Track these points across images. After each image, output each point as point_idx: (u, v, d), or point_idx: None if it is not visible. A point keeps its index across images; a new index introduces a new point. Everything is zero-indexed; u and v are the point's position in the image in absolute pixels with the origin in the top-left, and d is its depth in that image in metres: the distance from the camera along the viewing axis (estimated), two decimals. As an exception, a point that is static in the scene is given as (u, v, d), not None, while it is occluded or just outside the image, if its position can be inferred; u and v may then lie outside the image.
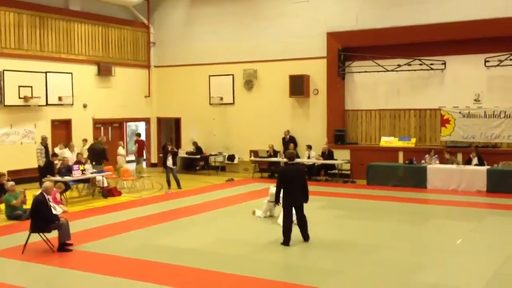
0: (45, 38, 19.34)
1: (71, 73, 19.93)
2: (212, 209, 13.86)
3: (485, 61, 17.44)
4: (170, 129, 24.43)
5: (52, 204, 10.33)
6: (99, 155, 17.67)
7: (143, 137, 22.41)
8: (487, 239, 10.75)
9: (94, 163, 17.44)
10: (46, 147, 16.74)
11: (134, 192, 16.82)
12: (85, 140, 18.96)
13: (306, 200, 10.32)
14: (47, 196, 9.97)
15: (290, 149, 19.26)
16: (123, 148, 20.48)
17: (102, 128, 21.55)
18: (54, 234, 9.89)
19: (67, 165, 15.40)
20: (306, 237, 10.31)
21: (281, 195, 10.15)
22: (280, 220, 10.73)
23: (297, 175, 10.30)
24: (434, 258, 9.27)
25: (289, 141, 20.13)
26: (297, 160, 17.96)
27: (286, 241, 10.13)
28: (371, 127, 19.98)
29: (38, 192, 10.32)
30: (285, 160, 18.80)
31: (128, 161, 22.98)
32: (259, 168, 20.54)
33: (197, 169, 21.74)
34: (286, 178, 10.19)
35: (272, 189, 12.41)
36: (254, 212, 12.83)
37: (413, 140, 18.92)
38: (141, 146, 21.54)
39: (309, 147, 19.25)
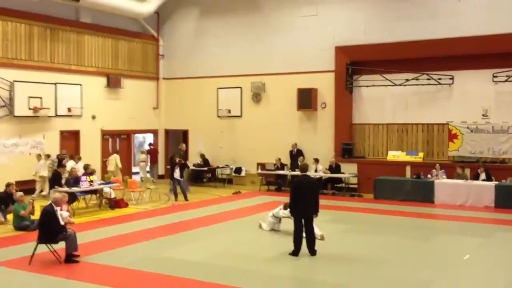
0: (55, 50, 19.52)
1: (81, 85, 20.11)
2: (219, 222, 13.85)
3: (493, 76, 17.47)
4: (178, 141, 24.45)
5: (60, 212, 10.35)
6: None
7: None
8: (495, 255, 10.68)
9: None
10: (60, 161, 17.22)
11: (141, 203, 16.86)
12: (47, 156, 17.96)
13: (316, 212, 10.34)
14: (55, 208, 10.02)
15: (300, 162, 19.33)
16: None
17: (110, 140, 21.65)
18: (61, 245, 9.92)
19: (75, 176, 15.41)
20: (312, 252, 10.29)
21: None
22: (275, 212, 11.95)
23: (310, 186, 10.37)
24: (442, 274, 9.22)
25: (296, 154, 20.14)
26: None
27: (296, 252, 10.17)
28: (378, 141, 19.96)
29: (46, 203, 10.38)
30: (292, 173, 19.12)
31: (134, 173, 23.15)
32: (266, 181, 20.51)
33: (204, 181, 21.74)
34: (299, 189, 10.26)
35: (276, 209, 12.47)
36: (260, 225, 12.84)
37: (421, 154, 18.87)
38: (155, 154, 22.89)
39: (317, 161, 19.24)
